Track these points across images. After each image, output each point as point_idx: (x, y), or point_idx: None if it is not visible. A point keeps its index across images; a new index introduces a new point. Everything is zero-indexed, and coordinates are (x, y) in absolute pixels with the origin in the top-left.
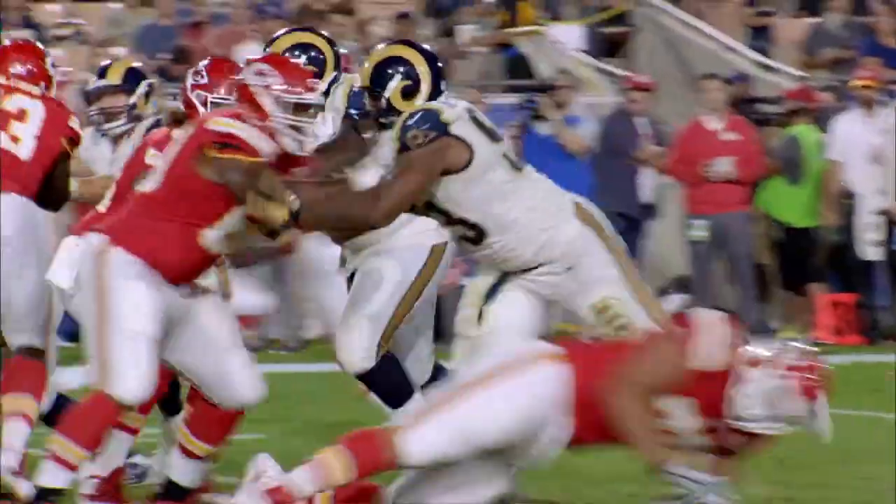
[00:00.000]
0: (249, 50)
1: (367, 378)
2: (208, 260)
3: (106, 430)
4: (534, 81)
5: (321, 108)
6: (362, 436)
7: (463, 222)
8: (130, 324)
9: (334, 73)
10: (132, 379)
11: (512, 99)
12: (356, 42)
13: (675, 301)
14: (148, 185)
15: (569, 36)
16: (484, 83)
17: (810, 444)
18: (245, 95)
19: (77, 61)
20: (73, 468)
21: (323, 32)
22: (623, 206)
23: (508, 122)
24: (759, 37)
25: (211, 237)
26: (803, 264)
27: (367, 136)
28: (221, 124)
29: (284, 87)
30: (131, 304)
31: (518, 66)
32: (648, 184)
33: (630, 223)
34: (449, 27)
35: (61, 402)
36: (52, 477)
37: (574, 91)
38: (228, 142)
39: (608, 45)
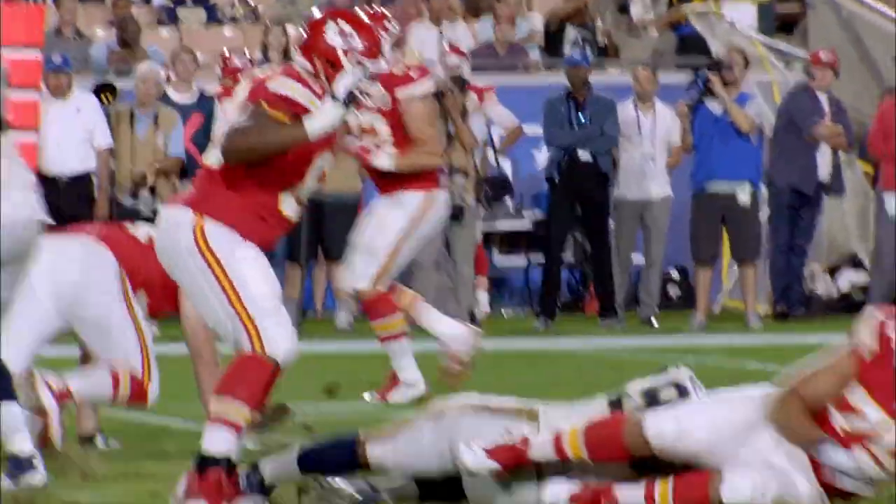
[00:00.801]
0: (421, 29)
1: None
2: (286, 225)
3: (268, 393)
4: (706, 59)
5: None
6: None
7: None
8: (260, 287)
9: None
10: (284, 340)
11: (684, 77)
12: None
13: (847, 277)
14: (214, 155)
15: (742, 14)
16: (656, 61)
17: None
18: (325, 53)
19: (250, 41)
20: (240, 430)
21: None
22: (800, 183)
23: (680, 99)
24: None
25: (290, 201)
26: None
27: None
28: (281, 84)
29: (363, 49)
30: (251, 267)
31: (690, 44)
32: (825, 161)
33: (806, 200)
34: (623, 4)
35: None
36: (220, 441)
37: (746, 69)
38: (282, 104)
39: (781, 24)
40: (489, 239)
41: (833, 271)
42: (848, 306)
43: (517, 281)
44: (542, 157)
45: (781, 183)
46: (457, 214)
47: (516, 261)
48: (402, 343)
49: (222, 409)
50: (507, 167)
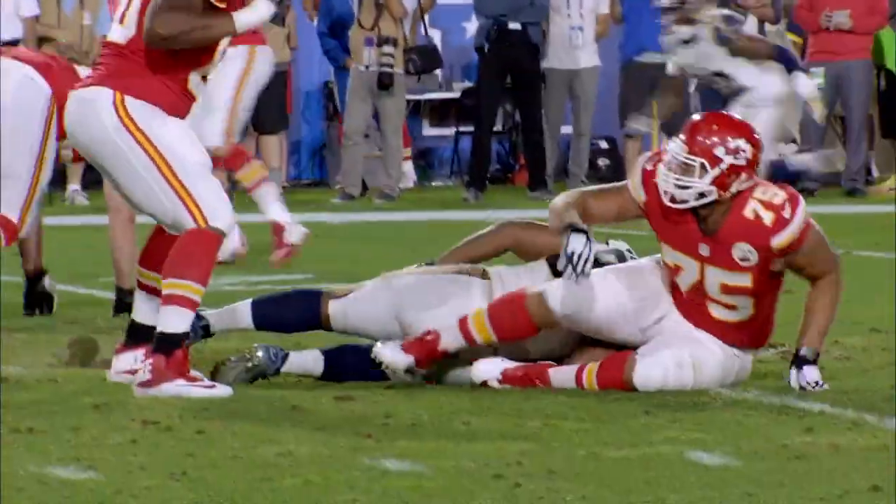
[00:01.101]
0: None
1: None
2: (192, 102)
3: (213, 265)
4: None
5: None
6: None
7: None
8: (190, 156)
9: None
10: (223, 208)
11: None
12: None
13: (777, 151)
14: (121, 34)
15: None
16: None
17: None
18: None
19: None
20: (195, 307)
21: None
22: None
23: None
24: None
25: (197, 79)
26: None
27: None
28: None
29: None
30: (179, 140)
31: None
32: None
33: None
34: None
35: None
36: (179, 320)
37: None
38: None
39: None
40: (418, 110)
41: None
42: (774, 176)
43: (446, 152)
44: (472, 27)
45: None
46: (386, 84)
47: (445, 132)
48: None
49: (176, 290)
50: (436, 38)
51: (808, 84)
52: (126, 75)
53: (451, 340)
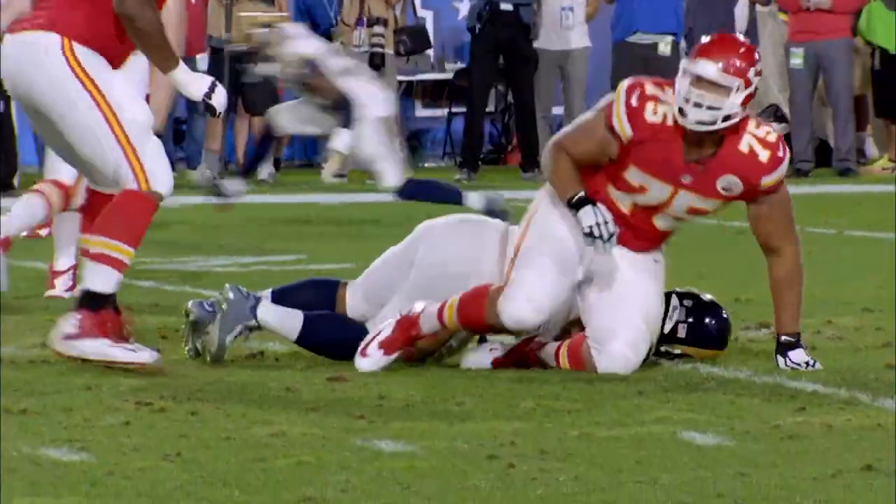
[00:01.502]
0: None
1: None
2: (130, 50)
3: (146, 228)
4: None
5: None
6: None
7: None
8: (140, 117)
9: None
10: (165, 174)
11: None
12: None
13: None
14: None
15: None
16: None
17: None
18: None
19: None
20: (124, 268)
21: None
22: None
23: None
24: None
25: None
26: None
27: None
28: None
29: None
30: (128, 97)
31: None
32: (742, 13)
33: None
34: None
35: None
36: (106, 280)
37: None
38: None
39: None
40: (410, 91)
41: None
42: None
43: (439, 133)
44: (465, 8)
45: (699, 34)
46: (377, 64)
47: (438, 112)
48: None
49: (105, 249)
50: (428, 18)
51: (345, 142)
52: (73, 21)
53: (428, 326)
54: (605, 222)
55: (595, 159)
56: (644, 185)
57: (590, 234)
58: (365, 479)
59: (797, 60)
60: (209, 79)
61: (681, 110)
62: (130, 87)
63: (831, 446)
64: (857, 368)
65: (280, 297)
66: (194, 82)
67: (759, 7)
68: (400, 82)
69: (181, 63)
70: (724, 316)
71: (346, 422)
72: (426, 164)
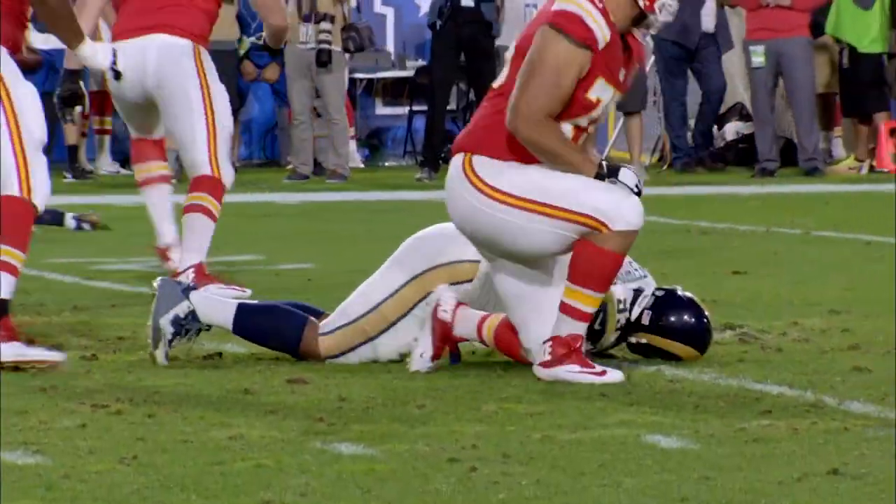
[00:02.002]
0: None
1: None
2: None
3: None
4: None
5: None
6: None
7: None
8: (36, 133)
9: None
10: (46, 187)
11: None
12: None
13: (734, 128)
14: None
15: None
16: None
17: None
18: None
19: None
20: (17, 273)
21: None
22: (681, 37)
23: None
24: None
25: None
26: (869, 91)
27: None
28: None
29: None
30: (28, 108)
31: None
32: (709, 13)
33: (690, 52)
34: None
35: None
36: (6, 285)
37: None
38: None
39: None
40: (370, 89)
41: (720, 122)
42: (735, 155)
43: (399, 131)
44: (426, 4)
45: (665, 34)
46: (324, 61)
47: (399, 110)
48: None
49: (8, 255)
50: (389, 15)
51: None
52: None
53: (463, 329)
54: (639, 178)
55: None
56: (600, 96)
57: (639, 194)
58: (324, 482)
59: (758, 59)
60: (110, 47)
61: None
62: (34, 99)
63: (797, 450)
64: (824, 371)
65: (243, 316)
66: (98, 52)
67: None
68: (360, 80)
69: (88, 42)
70: (697, 314)
71: (305, 424)
72: (387, 164)
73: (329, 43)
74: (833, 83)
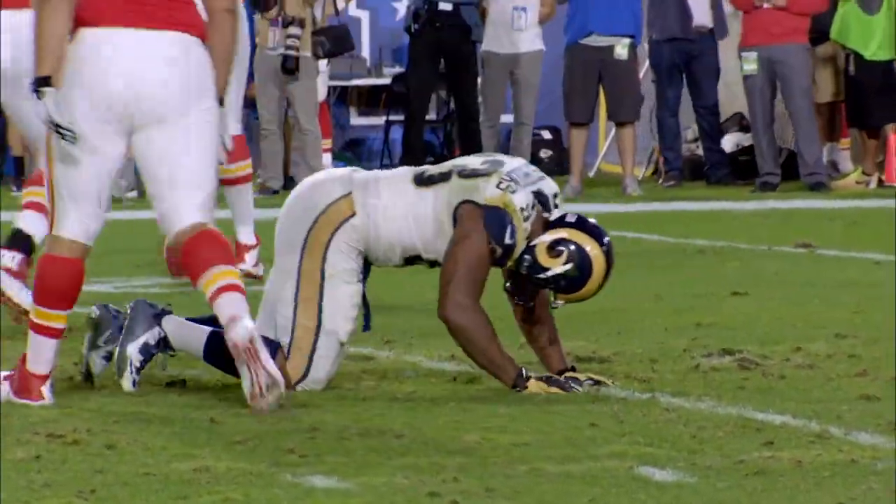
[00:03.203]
0: None
1: None
2: None
3: None
4: None
5: None
6: None
7: None
8: None
9: None
10: None
11: None
12: None
13: (732, 139)
14: None
15: None
16: None
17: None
18: None
19: None
20: None
21: None
22: (678, 30)
23: None
24: None
25: None
26: (876, 101)
27: None
28: None
29: None
30: None
31: None
32: (702, 4)
33: (688, 55)
34: None
35: None
36: None
37: None
38: None
39: None
40: (345, 97)
41: (720, 132)
42: (733, 170)
43: (376, 142)
44: (403, 8)
45: (658, 35)
46: (289, 69)
47: (375, 120)
48: None
49: None
50: (364, 18)
51: None
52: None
53: None
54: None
55: None
56: None
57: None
58: None
59: (750, 66)
60: None
61: None
62: None
63: (801, 483)
64: (829, 399)
65: (213, 343)
66: None
67: (725, 8)
68: (334, 88)
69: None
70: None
71: (275, 456)
72: None
73: (296, 49)
74: (840, 92)
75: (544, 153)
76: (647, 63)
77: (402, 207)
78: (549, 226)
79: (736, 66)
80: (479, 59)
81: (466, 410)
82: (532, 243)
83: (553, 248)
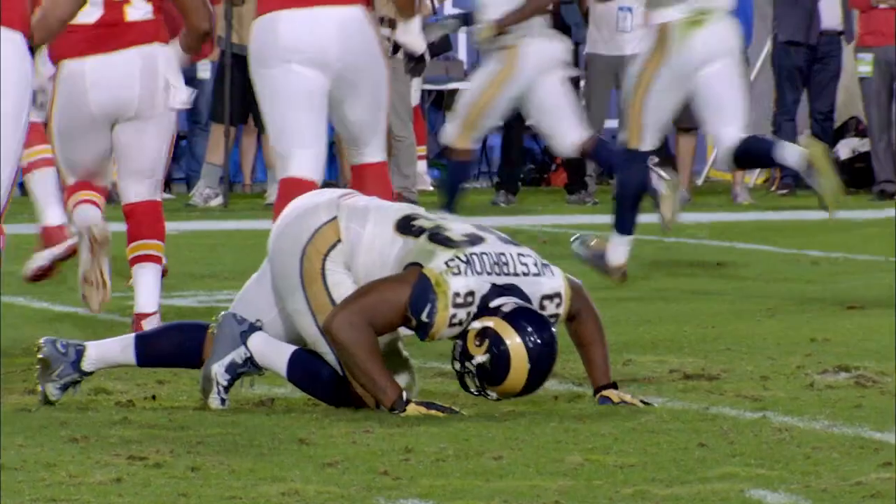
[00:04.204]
0: None
1: None
2: None
3: None
4: None
5: None
6: None
7: None
8: None
9: None
10: None
11: None
12: None
13: (849, 144)
14: None
15: None
16: None
17: None
18: None
19: None
20: None
21: None
22: (800, 34)
23: None
24: None
25: None
26: None
27: None
28: None
29: None
30: None
31: None
32: (832, 7)
33: (806, 56)
34: None
35: None
36: None
37: None
38: None
39: None
40: (440, 102)
41: (836, 138)
42: (849, 177)
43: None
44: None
45: (782, 37)
46: None
47: None
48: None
49: None
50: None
51: None
52: None
53: None
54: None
55: None
56: None
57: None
58: None
59: (865, 67)
60: None
61: None
62: None
63: None
64: None
65: (142, 345)
66: None
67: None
68: (428, 92)
69: None
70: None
71: (367, 478)
72: None
73: (387, 51)
74: None
75: (649, 161)
76: (758, 65)
77: (378, 246)
78: (487, 313)
79: (853, 69)
80: (581, 61)
81: (568, 430)
82: (467, 328)
83: (477, 336)
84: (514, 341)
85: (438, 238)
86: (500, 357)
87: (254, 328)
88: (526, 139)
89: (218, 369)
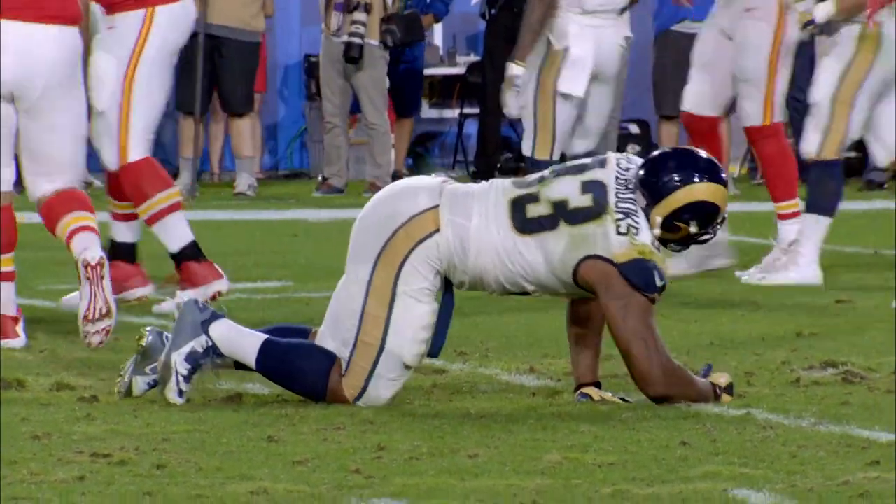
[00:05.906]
0: None
1: None
2: None
3: None
4: None
5: None
6: None
7: None
8: None
9: None
10: None
11: None
12: None
13: None
14: None
15: None
16: None
17: None
18: None
19: None
20: None
21: None
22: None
23: None
24: None
25: None
26: None
27: None
28: None
29: None
30: None
31: None
32: None
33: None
34: None
35: None
36: None
37: None
38: None
39: None
40: None
41: None
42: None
43: (449, 136)
44: None
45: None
46: (353, 57)
47: (448, 113)
48: None
49: None
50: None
51: None
52: None
53: None
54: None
55: None
56: None
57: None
58: None
59: None
60: None
61: None
62: None
63: None
64: None
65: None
66: None
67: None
68: None
69: None
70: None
71: (339, 477)
72: (434, 175)
73: (362, 37)
74: None
75: (632, 148)
76: None
77: (499, 243)
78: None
79: None
80: None
81: (546, 428)
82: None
83: (672, 224)
84: (685, 194)
85: (575, 217)
86: (699, 208)
87: (216, 316)
88: (504, 127)
89: (177, 358)
